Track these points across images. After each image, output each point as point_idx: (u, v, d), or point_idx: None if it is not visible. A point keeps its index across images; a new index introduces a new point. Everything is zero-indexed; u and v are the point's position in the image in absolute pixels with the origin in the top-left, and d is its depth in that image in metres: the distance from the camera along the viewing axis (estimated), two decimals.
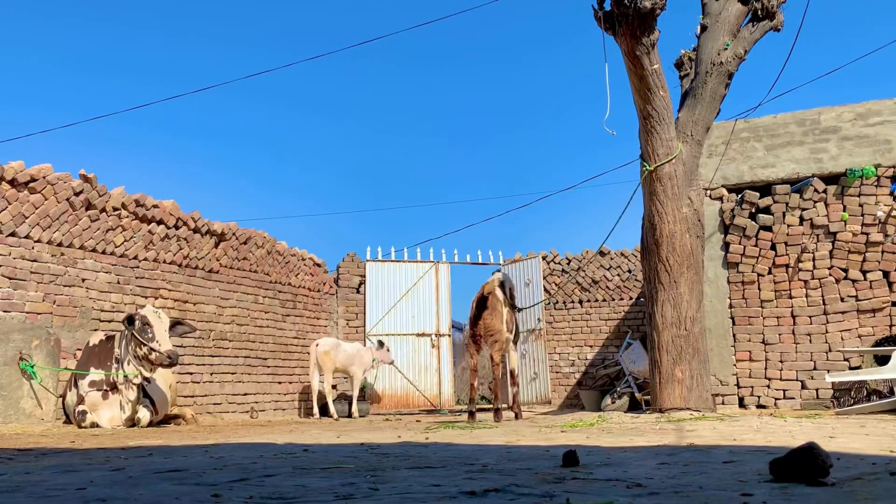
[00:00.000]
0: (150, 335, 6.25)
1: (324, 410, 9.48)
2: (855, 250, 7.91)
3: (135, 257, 7.57)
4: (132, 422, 6.32)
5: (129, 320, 6.31)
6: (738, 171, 8.46)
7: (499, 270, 10.39)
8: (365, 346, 10.19)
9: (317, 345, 9.51)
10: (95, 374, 6.28)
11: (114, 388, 6.30)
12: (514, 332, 7.59)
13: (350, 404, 9.72)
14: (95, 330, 6.93)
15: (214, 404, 8.44)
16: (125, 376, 6.27)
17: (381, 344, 10.01)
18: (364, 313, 11.04)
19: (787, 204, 8.17)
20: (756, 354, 8.21)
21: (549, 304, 11.36)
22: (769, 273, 8.24)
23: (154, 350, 6.21)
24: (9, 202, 6.35)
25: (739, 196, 8.44)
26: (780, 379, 8.08)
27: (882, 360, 7.43)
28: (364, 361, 9.83)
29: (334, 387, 10.63)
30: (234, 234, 8.91)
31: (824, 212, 8.05)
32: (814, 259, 8.07)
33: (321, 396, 9.47)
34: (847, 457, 2.45)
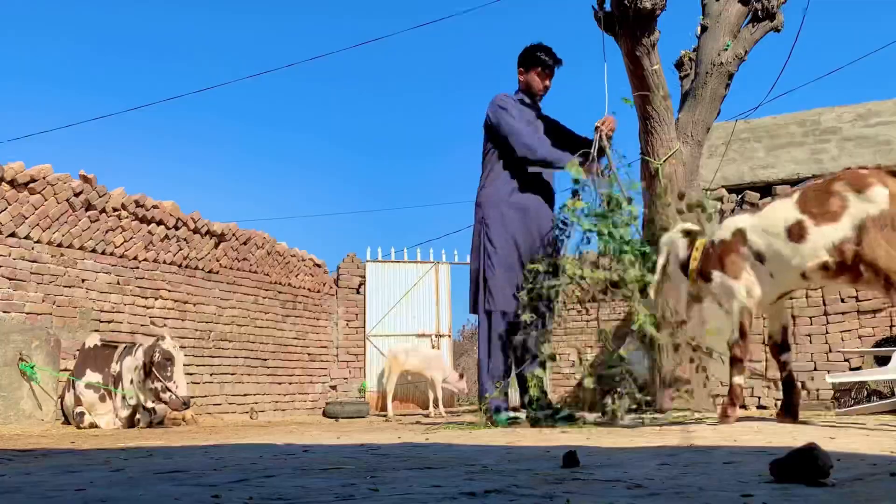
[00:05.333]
0: (168, 373, 6.04)
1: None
2: None
3: (135, 258, 7.57)
4: (131, 422, 6.32)
5: (151, 351, 6.12)
6: (738, 172, 8.46)
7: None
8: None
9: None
10: (92, 377, 6.28)
11: (110, 392, 6.30)
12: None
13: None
14: (95, 331, 6.93)
15: (214, 405, 8.43)
16: (123, 395, 6.24)
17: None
18: (364, 314, 11.04)
19: None
20: (756, 355, 8.20)
21: None
22: None
23: (170, 391, 6.00)
24: (9, 203, 6.35)
25: (740, 197, 8.43)
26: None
27: (882, 361, 7.43)
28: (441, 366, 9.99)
29: (334, 388, 10.62)
30: (233, 234, 8.90)
31: None
32: None
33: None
34: (848, 457, 2.45)
